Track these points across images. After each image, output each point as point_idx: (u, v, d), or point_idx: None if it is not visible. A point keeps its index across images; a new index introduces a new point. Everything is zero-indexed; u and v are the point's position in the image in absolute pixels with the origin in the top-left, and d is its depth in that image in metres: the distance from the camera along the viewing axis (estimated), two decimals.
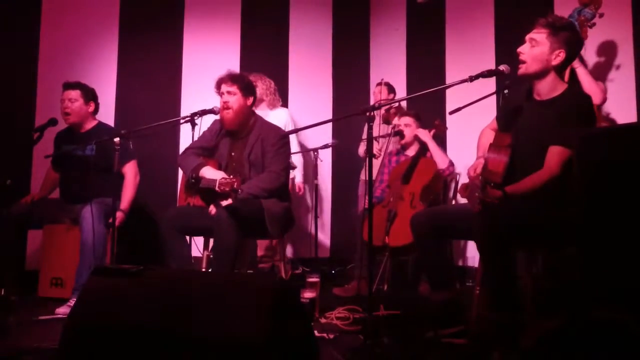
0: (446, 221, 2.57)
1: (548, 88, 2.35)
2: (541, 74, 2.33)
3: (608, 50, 3.47)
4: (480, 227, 2.20)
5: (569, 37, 2.30)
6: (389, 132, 4.05)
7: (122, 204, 3.35)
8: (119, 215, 3.29)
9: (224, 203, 2.81)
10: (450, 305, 2.55)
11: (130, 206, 3.39)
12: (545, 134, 2.29)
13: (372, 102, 4.51)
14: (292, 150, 4.32)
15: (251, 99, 3.11)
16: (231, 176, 2.74)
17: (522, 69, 2.34)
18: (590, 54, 3.36)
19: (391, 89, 4.44)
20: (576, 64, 2.94)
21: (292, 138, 4.22)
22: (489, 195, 2.13)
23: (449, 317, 2.49)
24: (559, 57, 2.30)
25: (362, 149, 4.55)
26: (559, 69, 2.34)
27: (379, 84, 4.42)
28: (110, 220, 2.97)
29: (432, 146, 3.81)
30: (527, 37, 2.35)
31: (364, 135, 4.55)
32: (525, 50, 2.33)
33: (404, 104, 4.52)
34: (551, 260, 2.50)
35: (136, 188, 3.44)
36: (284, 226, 3.10)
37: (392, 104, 4.10)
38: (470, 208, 2.27)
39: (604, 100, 3.06)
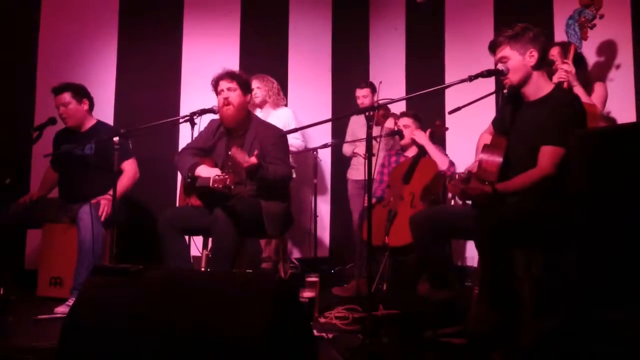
0: (445, 221, 2.58)
1: (534, 89, 2.39)
2: (526, 79, 2.38)
3: (608, 50, 3.46)
4: (480, 226, 2.20)
5: (530, 36, 2.34)
6: (382, 133, 4.03)
7: (110, 191, 3.10)
8: (103, 201, 3.19)
9: (248, 161, 2.74)
10: (449, 305, 2.55)
11: (120, 197, 3.08)
12: (537, 133, 2.31)
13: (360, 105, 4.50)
14: (301, 149, 4.34)
15: (249, 96, 3.16)
16: (224, 173, 2.74)
17: (508, 81, 2.38)
18: (590, 54, 3.35)
19: (374, 89, 4.44)
20: (574, 82, 2.94)
21: (295, 137, 4.23)
22: (471, 187, 2.14)
23: (448, 317, 2.49)
24: (533, 57, 2.34)
25: (348, 149, 4.57)
26: (539, 66, 2.37)
27: (363, 87, 4.44)
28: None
29: (430, 148, 3.79)
30: (495, 60, 2.40)
31: (347, 137, 4.58)
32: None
33: (403, 103, 4.52)
34: (551, 260, 2.50)
35: (132, 182, 3.40)
36: (282, 225, 3.10)
37: (389, 104, 4.08)
38: (468, 208, 2.27)
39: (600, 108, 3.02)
